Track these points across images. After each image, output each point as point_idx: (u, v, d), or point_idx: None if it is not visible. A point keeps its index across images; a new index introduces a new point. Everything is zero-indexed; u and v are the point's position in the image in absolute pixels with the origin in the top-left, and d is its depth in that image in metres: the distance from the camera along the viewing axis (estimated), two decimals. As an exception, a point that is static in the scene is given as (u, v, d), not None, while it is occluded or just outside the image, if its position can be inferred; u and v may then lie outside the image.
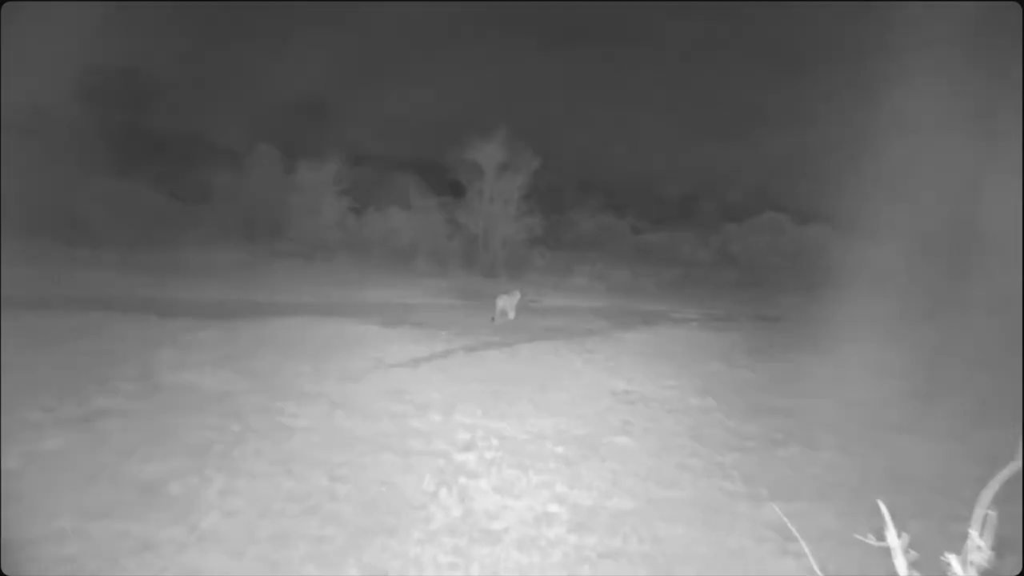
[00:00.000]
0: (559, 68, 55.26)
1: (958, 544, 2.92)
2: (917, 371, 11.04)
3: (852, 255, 28.32)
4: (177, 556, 4.64)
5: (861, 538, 3.16)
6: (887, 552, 3.00)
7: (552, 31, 50.15)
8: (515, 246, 30.91)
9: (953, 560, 2.84)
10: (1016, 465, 2.98)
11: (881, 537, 3.01)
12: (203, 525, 5.01)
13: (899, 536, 2.96)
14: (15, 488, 5.31)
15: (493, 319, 15.74)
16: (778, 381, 10.58)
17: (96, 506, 5.14)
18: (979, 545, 2.83)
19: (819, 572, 3.72)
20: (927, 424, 8.32)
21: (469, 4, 48.27)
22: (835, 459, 7.08)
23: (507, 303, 16.30)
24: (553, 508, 5.60)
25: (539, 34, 49.73)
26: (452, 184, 31.24)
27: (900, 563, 2.90)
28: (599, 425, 7.71)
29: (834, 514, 5.67)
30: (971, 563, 2.83)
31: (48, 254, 19.93)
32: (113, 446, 6.18)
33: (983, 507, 2.89)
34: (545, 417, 7.86)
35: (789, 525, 5.05)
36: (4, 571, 4.23)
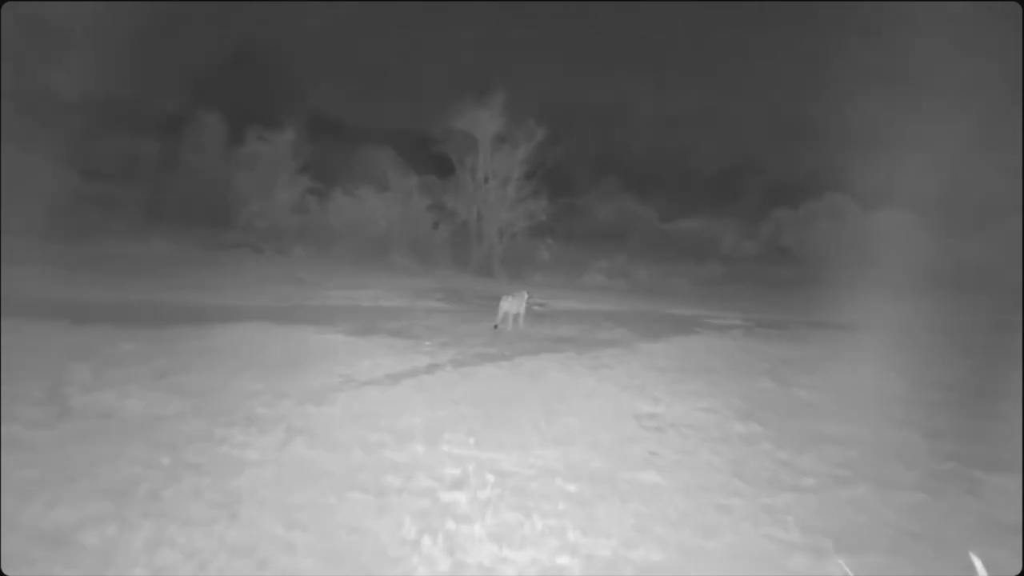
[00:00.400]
0: (568, 19, 55.41)
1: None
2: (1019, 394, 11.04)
3: (937, 248, 28.43)
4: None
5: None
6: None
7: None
8: (515, 237, 30.94)
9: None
10: None
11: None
12: (125, 584, 4.96)
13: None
14: None
15: (496, 326, 15.78)
16: (843, 403, 10.56)
17: (-11, 561, 5.07)
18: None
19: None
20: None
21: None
22: (916, 501, 7.03)
23: (513, 306, 16.24)
24: (563, 560, 5.55)
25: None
26: (438, 160, 31.30)
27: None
28: (619, 457, 7.67)
29: (916, 571, 5.63)
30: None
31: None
32: (10, 487, 6.11)
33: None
34: (552, 447, 7.82)
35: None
36: (4, 571, 4.67)
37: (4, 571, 4.72)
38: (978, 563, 2.98)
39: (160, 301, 16.46)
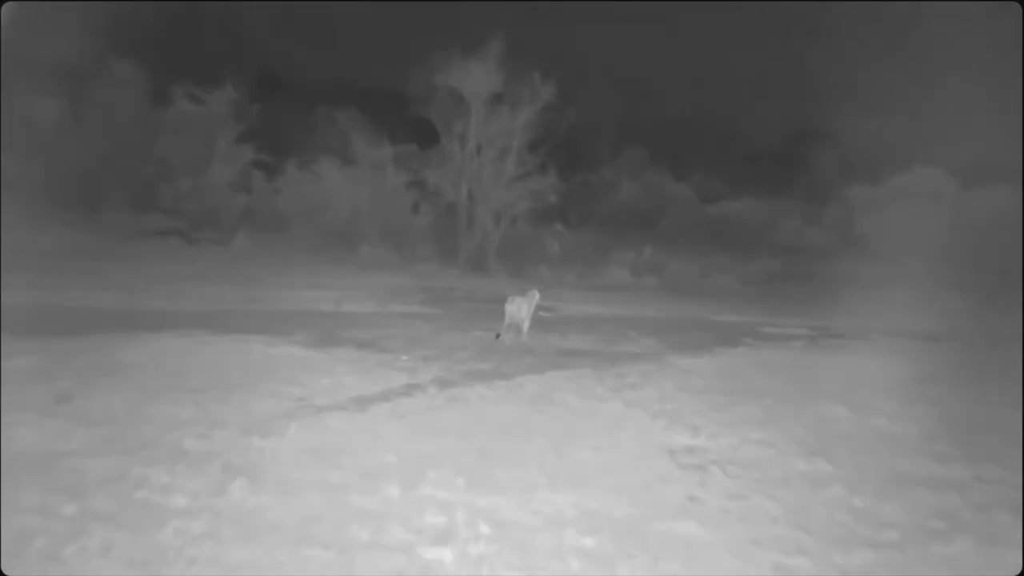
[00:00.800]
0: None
1: None
2: None
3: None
4: None
5: None
6: None
7: None
8: (516, 222, 30.96)
9: None
10: None
11: None
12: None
13: None
14: None
15: (499, 335, 15.90)
16: (938, 436, 10.52)
17: None
18: None
19: None
20: None
21: None
22: (1029, 562, 7.00)
23: (520, 310, 16.36)
24: (578, 639, 5.53)
25: None
26: (418, 125, 31.37)
27: None
28: (649, 503, 7.63)
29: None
30: None
31: None
32: None
33: None
34: (564, 490, 7.78)
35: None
36: (4, 571, 5.36)
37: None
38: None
39: (63, 305, 16.44)
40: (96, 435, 8.44)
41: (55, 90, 30.29)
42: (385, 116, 33.07)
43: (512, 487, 7.79)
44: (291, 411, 9.71)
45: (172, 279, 20.46)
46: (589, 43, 48.47)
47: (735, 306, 25.01)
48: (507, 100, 30.53)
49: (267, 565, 6.09)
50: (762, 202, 39.88)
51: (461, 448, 8.77)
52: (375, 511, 7.07)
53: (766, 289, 29.76)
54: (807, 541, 7.11)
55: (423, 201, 31.52)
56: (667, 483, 8.22)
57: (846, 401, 12.17)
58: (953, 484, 8.66)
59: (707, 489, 8.13)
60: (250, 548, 6.32)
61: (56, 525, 6.50)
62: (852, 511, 7.79)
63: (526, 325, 16.36)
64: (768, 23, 54.19)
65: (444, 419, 9.80)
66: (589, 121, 36.69)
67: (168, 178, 29.38)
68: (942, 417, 11.71)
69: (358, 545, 6.47)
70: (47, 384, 10.06)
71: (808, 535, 7.23)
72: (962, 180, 35.79)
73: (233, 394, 10.25)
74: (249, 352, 12.83)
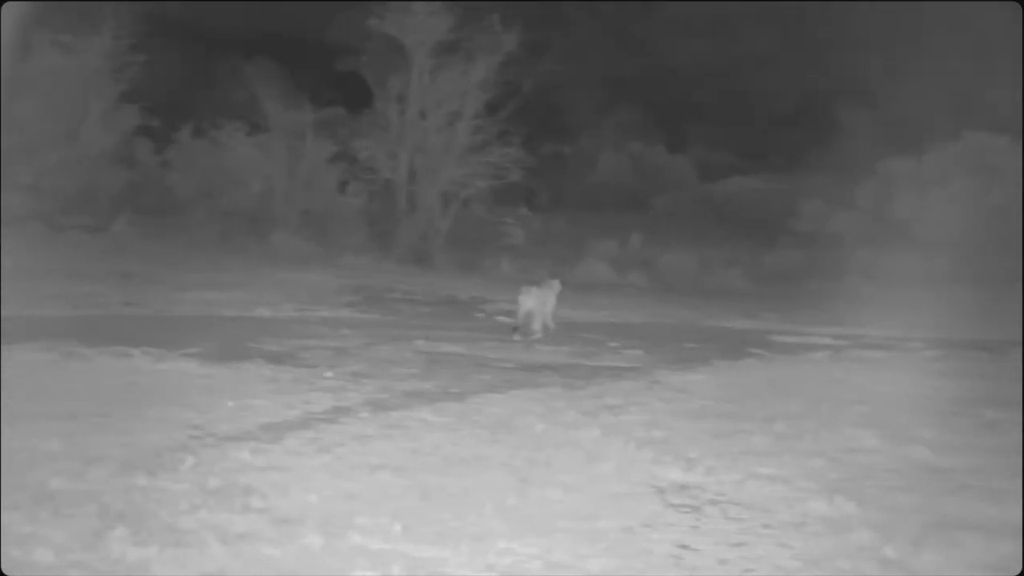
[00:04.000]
0: None
1: None
2: None
3: None
4: None
5: None
6: None
7: None
8: (469, 205, 30.98)
9: None
10: None
11: None
12: None
13: None
14: None
15: (516, 330, 16.80)
16: (992, 470, 10.62)
17: None
18: None
19: None
20: None
21: None
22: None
23: (539, 303, 17.15)
24: None
25: None
26: (346, 83, 31.32)
27: None
28: (631, 554, 7.72)
29: None
30: None
31: None
32: None
33: None
34: (526, 538, 7.86)
35: None
36: (4, 571, 6.07)
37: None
38: None
39: None
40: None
41: None
42: (305, 71, 32.97)
43: (462, 535, 7.85)
44: (185, 442, 9.74)
45: (33, 276, 20.32)
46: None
47: (743, 308, 25.14)
48: (459, 51, 30.54)
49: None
50: (780, 179, 40.00)
51: (399, 487, 8.84)
52: (290, 566, 7.13)
53: (783, 287, 29.93)
54: (827, 600, 7.26)
55: (353, 178, 31.48)
56: (653, 528, 8.31)
57: (878, 427, 12.25)
58: (1009, 529, 8.77)
59: (702, 535, 8.21)
60: (135, 613, 6.38)
61: None
62: (883, 562, 7.86)
63: (548, 319, 17.32)
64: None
65: (378, 451, 9.88)
66: (563, 78, 36.71)
67: (25, 149, 29.11)
68: (999, 447, 11.78)
69: (270, 608, 6.56)
70: None
71: (828, 592, 7.37)
72: (1028, 147, 35.51)
73: (112, 422, 10.26)
74: (133, 369, 12.83)
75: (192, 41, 34.65)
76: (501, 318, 20.01)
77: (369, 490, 8.70)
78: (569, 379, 14.27)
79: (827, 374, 16.07)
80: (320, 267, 26.77)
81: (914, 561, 7.88)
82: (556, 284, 18.21)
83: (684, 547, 7.91)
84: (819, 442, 11.40)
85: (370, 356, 15.03)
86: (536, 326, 17.50)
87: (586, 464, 9.91)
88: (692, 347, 18.22)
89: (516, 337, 17.30)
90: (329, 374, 13.40)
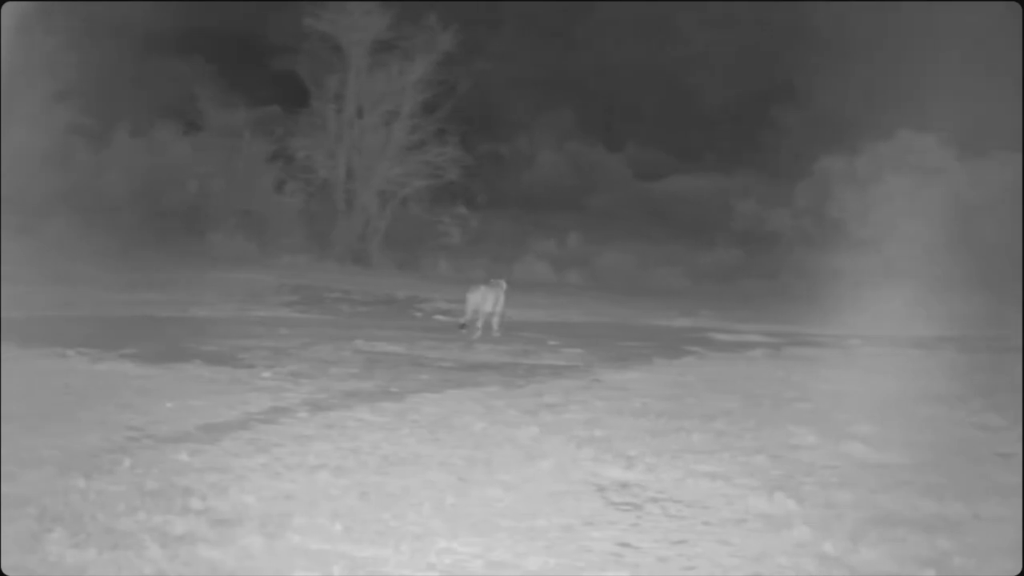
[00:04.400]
0: None
1: None
2: None
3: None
4: None
5: None
6: None
7: None
8: (407, 204, 30.93)
9: None
10: None
11: None
12: None
13: None
14: None
15: (463, 325, 17.11)
16: (928, 465, 10.73)
17: None
18: None
19: None
20: None
21: None
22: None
23: (486, 302, 17.41)
24: None
25: None
26: (283, 82, 31.19)
27: None
28: (571, 552, 7.71)
29: None
30: None
31: None
32: None
33: None
34: (466, 537, 7.84)
35: None
36: (4, 571, 6.23)
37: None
38: None
39: None
40: None
41: None
42: (241, 70, 32.88)
43: (402, 534, 7.82)
44: (123, 444, 9.66)
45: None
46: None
47: (682, 307, 25.22)
48: (396, 50, 30.48)
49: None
50: (717, 178, 40.19)
51: (338, 487, 8.81)
52: (230, 567, 7.08)
53: (720, 286, 30.10)
54: (768, 597, 7.27)
55: (290, 178, 31.35)
56: (593, 526, 8.31)
57: (816, 424, 12.33)
58: (946, 523, 8.83)
59: (643, 533, 8.22)
60: (70, 616, 6.31)
61: None
62: (822, 558, 7.88)
63: (497, 320, 17.35)
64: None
65: (317, 451, 9.84)
66: (501, 77, 36.79)
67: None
68: (935, 442, 11.89)
69: (209, 611, 6.50)
70: None
71: (769, 588, 7.39)
72: (960, 149, 35.88)
73: (49, 424, 10.16)
74: (69, 370, 12.71)
75: (128, 40, 34.35)
76: (439, 317, 20.03)
77: (308, 490, 8.65)
78: (508, 378, 14.28)
79: (765, 372, 16.15)
80: (258, 267, 26.66)
81: (852, 557, 7.91)
82: (503, 283, 18.36)
83: (624, 545, 7.92)
84: (758, 439, 11.46)
85: (308, 356, 14.97)
86: (481, 323, 17.69)
87: (526, 463, 9.90)
88: (631, 345, 18.26)
89: (464, 334, 17.53)
90: (267, 374, 13.34)
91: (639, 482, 9.52)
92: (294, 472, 9.13)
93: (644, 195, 39.50)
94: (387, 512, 8.26)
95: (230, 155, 30.97)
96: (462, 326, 17.69)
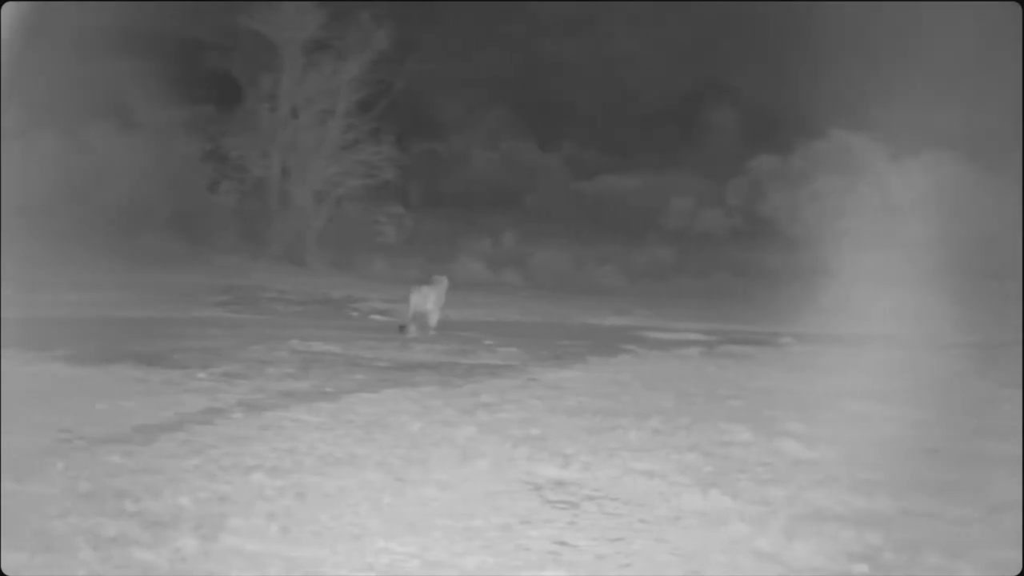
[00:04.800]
0: None
1: None
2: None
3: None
4: None
5: None
6: None
7: None
8: (342, 203, 30.82)
9: None
10: None
11: None
12: None
13: None
14: None
15: (403, 328, 17.25)
16: (859, 462, 10.77)
17: None
18: None
19: None
20: None
21: None
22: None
23: (427, 300, 17.74)
24: None
25: None
26: (216, 81, 30.97)
27: None
28: (508, 551, 7.72)
29: None
30: None
31: None
32: None
33: None
34: (403, 537, 7.83)
35: None
36: (4, 571, 6.28)
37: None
38: None
39: None
40: None
41: None
42: (174, 69, 32.57)
43: (339, 535, 7.81)
44: (55, 446, 9.57)
45: None
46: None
47: (617, 306, 25.29)
48: (330, 49, 30.35)
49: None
50: (651, 177, 40.25)
51: (274, 487, 8.77)
52: (164, 570, 7.03)
53: (654, 284, 30.20)
54: (704, 592, 7.30)
55: (224, 177, 31.13)
56: (530, 525, 8.32)
57: (750, 421, 12.40)
58: (875, 519, 8.93)
59: (580, 531, 8.25)
60: (0, 622, 6.25)
61: None
62: (757, 554, 7.94)
63: (435, 317, 17.63)
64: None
65: (253, 451, 9.79)
66: (435, 76, 36.69)
67: None
68: (865, 439, 12.00)
69: (144, 613, 6.46)
70: None
71: (705, 584, 7.42)
72: (891, 148, 36.16)
73: (-23, 424, 10.05)
74: (-3, 371, 12.57)
75: (58, 37, 34.01)
76: (376, 317, 19.98)
77: (244, 491, 8.61)
78: (445, 377, 14.27)
79: (699, 370, 16.23)
80: (191, 267, 26.49)
81: (787, 553, 7.98)
82: (444, 282, 18.68)
83: (562, 543, 7.94)
84: (693, 437, 11.52)
85: (243, 356, 14.90)
86: (432, 322, 18.05)
87: (462, 462, 9.91)
88: (566, 344, 18.30)
89: (409, 334, 17.74)
90: (202, 375, 13.26)
91: (576, 480, 9.54)
92: (229, 473, 9.07)
93: (579, 194, 39.54)
94: (324, 513, 8.24)
95: (163, 154, 30.70)
96: (402, 328, 17.81)
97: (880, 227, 33.16)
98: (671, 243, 35.25)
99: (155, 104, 31.05)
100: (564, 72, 46.34)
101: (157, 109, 30.98)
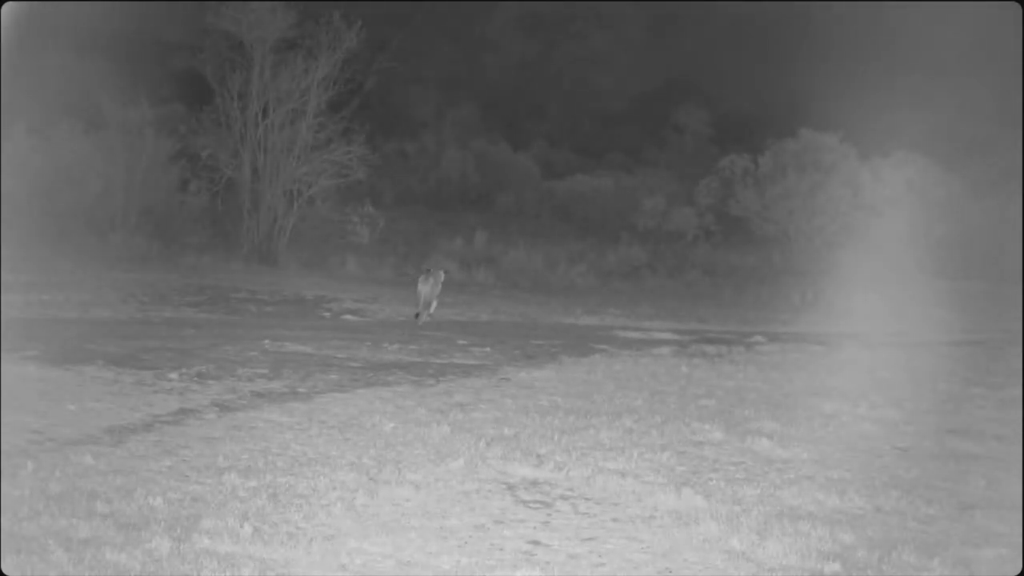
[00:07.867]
0: None
1: None
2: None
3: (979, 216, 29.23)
4: None
5: None
6: None
7: None
8: (314, 203, 30.74)
9: None
10: None
11: None
12: None
13: None
14: None
15: (418, 315, 18.57)
16: (832, 460, 10.87)
17: None
18: None
19: None
20: None
21: None
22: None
23: (437, 288, 19.18)
24: None
25: None
26: (186, 80, 30.86)
27: None
28: (481, 551, 7.73)
29: None
30: None
31: None
32: None
33: None
34: (376, 537, 7.83)
35: None
36: (4, 571, 6.40)
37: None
38: None
39: None
40: None
41: None
42: (143, 68, 32.43)
43: (312, 535, 7.79)
44: (25, 447, 9.51)
45: None
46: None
47: (589, 305, 25.26)
48: (300, 48, 30.24)
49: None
50: (622, 176, 40.27)
51: (247, 488, 8.75)
52: (136, 570, 7.00)
53: (627, 284, 30.16)
54: (679, 592, 7.31)
55: (194, 177, 30.98)
56: (504, 525, 8.34)
57: (722, 420, 12.44)
58: (847, 517, 8.96)
59: (553, 531, 8.27)
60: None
61: None
62: (729, 553, 7.98)
63: (434, 305, 18.85)
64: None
65: (226, 452, 9.76)
66: (406, 76, 36.68)
67: None
68: (836, 438, 12.05)
69: (115, 614, 6.43)
70: None
71: (680, 584, 7.43)
72: (860, 149, 36.25)
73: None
74: (-34, 372, 12.47)
75: (26, 36, 33.80)
76: (348, 317, 19.91)
77: (217, 492, 8.58)
78: (418, 377, 14.25)
79: (672, 369, 16.22)
80: (162, 267, 26.36)
81: (759, 551, 8.01)
82: (442, 275, 20.03)
83: (535, 543, 7.96)
84: (666, 436, 11.53)
85: (215, 357, 14.82)
86: (432, 306, 19.29)
87: (436, 462, 9.90)
88: (539, 344, 18.29)
89: (422, 320, 19.09)
90: (173, 376, 13.19)
91: (549, 480, 9.55)
92: (202, 474, 9.05)
93: (550, 194, 39.53)
94: (297, 513, 8.23)
95: (132, 154, 30.51)
96: (417, 315, 19.06)
97: (850, 227, 33.30)
98: (643, 242, 35.25)
99: (124, 103, 30.86)
100: (535, 72, 46.39)
101: (126, 108, 30.78)
